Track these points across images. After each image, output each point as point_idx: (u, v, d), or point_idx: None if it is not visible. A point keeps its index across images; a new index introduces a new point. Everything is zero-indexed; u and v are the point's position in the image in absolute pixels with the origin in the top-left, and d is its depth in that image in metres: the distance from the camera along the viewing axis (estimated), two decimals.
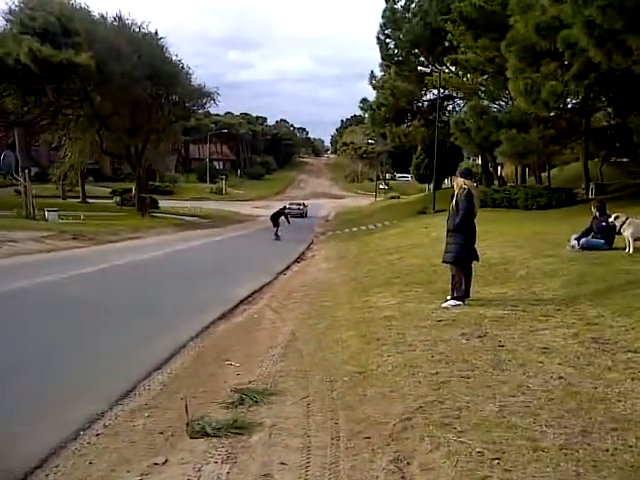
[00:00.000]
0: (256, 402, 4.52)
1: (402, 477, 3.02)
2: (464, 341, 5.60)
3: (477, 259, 7.62)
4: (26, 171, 28.68)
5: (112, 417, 4.42)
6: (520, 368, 4.65)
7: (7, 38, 29.26)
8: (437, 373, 4.63)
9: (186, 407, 4.21)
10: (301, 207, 48.73)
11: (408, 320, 6.76)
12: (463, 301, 7.33)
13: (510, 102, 26.36)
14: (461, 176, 7.59)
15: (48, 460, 3.64)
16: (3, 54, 27.45)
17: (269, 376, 5.28)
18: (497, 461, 3.03)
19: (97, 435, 4.06)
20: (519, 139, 22.01)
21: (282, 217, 26.07)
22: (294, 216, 38.44)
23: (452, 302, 7.34)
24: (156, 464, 3.51)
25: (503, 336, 5.68)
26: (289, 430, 3.92)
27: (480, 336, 5.72)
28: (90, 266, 13.34)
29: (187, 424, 4.02)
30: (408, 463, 3.16)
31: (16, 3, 30.39)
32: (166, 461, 3.54)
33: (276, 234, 24.99)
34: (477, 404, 3.89)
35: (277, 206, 29.90)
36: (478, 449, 3.17)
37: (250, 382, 5.13)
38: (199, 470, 3.39)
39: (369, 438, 3.57)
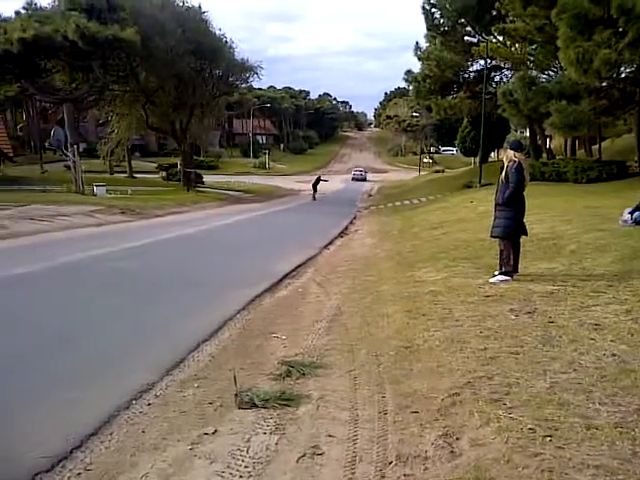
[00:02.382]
0: (303, 374, 4.56)
1: (451, 452, 3.00)
2: (513, 317, 5.51)
3: (526, 234, 7.45)
4: (75, 147, 29.28)
5: (162, 387, 4.51)
6: (571, 344, 4.56)
7: (55, 15, 29.72)
8: (485, 349, 4.57)
9: (234, 378, 4.27)
10: (363, 173, 66.76)
11: (455, 295, 6.69)
12: (511, 276, 7.21)
13: (560, 72, 25.48)
14: (511, 148, 7.40)
15: (102, 428, 3.75)
16: (52, 31, 27.85)
17: (315, 349, 5.31)
18: (549, 438, 2.98)
19: (148, 405, 4.16)
20: (569, 110, 21.27)
21: (319, 183, 35.71)
22: (358, 179, 62.76)
23: (500, 277, 7.22)
24: (206, 434, 3.58)
25: (553, 312, 5.57)
26: (336, 403, 3.94)
27: (529, 312, 5.63)
28: (138, 240, 13.62)
29: (236, 395, 4.08)
30: (457, 438, 3.14)
31: None
32: (216, 431, 3.61)
33: (314, 197, 34.39)
34: (527, 380, 3.83)
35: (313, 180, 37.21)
36: (529, 426, 3.13)
37: (296, 355, 5.17)
38: (248, 440, 3.45)
39: (417, 412, 3.56)
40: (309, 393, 4.15)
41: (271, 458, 3.22)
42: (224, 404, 4.05)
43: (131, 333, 6.10)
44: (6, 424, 3.77)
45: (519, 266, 7.38)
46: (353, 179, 63.70)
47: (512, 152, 7.27)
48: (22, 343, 5.54)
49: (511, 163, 7.17)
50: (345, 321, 6.32)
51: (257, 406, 3.94)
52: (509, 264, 7.25)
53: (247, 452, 3.29)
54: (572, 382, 3.76)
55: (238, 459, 3.22)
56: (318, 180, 35.99)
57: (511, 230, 7.23)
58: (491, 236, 7.63)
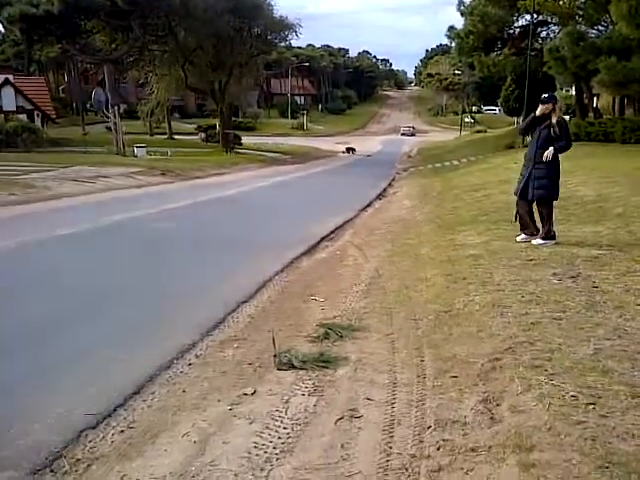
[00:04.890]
0: (341, 337, 4.56)
1: (491, 418, 2.97)
2: (556, 281, 5.39)
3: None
4: (115, 108, 29.56)
5: (203, 347, 4.57)
6: (616, 310, 4.44)
7: None
8: (527, 314, 4.48)
9: (273, 339, 4.29)
10: (411, 129, 75.93)
11: (496, 259, 6.56)
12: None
13: (611, 27, 24.46)
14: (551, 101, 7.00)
15: (144, 387, 3.83)
16: None
17: (353, 312, 5.30)
18: (592, 406, 2.92)
19: (189, 365, 4.22)
20: (619, 67, 20.49)
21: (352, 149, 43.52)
22: (406, 135, 71.55)
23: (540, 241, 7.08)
24: (245, 394, 3.62)
25: (597, 277, 5.43)
26: (374, 366, 3.94)
27: (573, 276, 5.49)
28: (178, 201, 13.76)
29: (274, 356, 4.11)
30: (497, 404, 3.10)
31: None
32: (255, 391, 3.65)
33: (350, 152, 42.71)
34: (570, 346, 3.75)
35: (352, 141, 46.47)
36: (572, 393, 3.06)
37: (334, 317, 5.17)
38: (287, 402, 3.48)
39: (456, 377, 3.53)
40: (347, 356, 4.15)
41: (309, 420, 3.24)
42: (263, 365, 4.08)
43: (171, 293, 6.20)
44: (53, 382, 3.88)
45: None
46: (402, 134, 72.73)
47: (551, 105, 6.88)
48: (65, 304, 5.67)
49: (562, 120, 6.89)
50: (383, 284, 6.28)
51: (295, 367, 3.96)
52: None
53: (285, 413, 3.32)
54: (617, 349, 3.66)
55: (277, 420, 3.25)
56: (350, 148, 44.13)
57: (553, 191, 7.04)
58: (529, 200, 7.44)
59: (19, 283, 6.42)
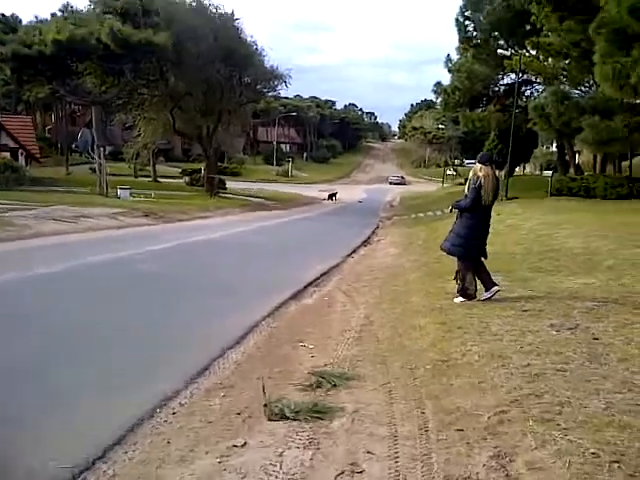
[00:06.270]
0: (334, 386, 4.33)
1: (507, 475, 2.74)
2: (554, 332, 5.25)
3: (485, 256, 6.96)
4: (101, 149, 29.47)
5: (187, 395, 4.30)
6: (621, 363, 4.30)
7: (90, 18, 30.03)
8: (529, 365, 4.31)
9: (263, 388, 4.05)
10: (401, 178, 77.00)
11: (489, 309, 6.41)
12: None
13: (593, 88, 25.12)
14: (479, 162, 6.87)
15: (126, 437, 3.54)
16: (86, 33, 28.11)
17: (345, 360, 5.08)
18: (617, 465, 2.71)
19: (173, 413, 3.94)
20: (602, 126, 20.97)
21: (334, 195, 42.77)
22: (396, 184, 71.52)
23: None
24: (235, 446, 3.35)
25: (596, 329, 5.32)
26: (372, 417, 3.71)
27: (571, 328, 5.36)
28: (162, 243, 13.48)
29: (265, 405, 3.86)
30: (511, 460, 2.88)
31: None
32: (245, 443, 3.38)
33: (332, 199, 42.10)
34: (579, 400, 3.56)
35: (336, 188, 47.44)
36: (591, 450, 2.86)
37: (326, 365, 4.94)
38: (280, 455, 3.21)
39: (462, 430, 3.31)
40: (343, 406, 3.91)
41: (306, 475, 2.98)
42: (253, 415, 3.82)
43: (154, 338, 5.90)
44: (26, 432, 3.57)
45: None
46: (390, 183, 73.54)
47: (479, 166, 6.77)
48: (42, 347, 5.36)
49: (474, 178, 6.75)
50: (375, 331, 6.08)
51: (288, 418, 3.70)
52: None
53: (280, 467, 3.05)
54: (629, 403, 3.49)
55: (271, 475, 2.98)
56: (333, 193, 43.67)
57: (464, 251, 6.86)
58: (441, 248, 7.29)
59: None
